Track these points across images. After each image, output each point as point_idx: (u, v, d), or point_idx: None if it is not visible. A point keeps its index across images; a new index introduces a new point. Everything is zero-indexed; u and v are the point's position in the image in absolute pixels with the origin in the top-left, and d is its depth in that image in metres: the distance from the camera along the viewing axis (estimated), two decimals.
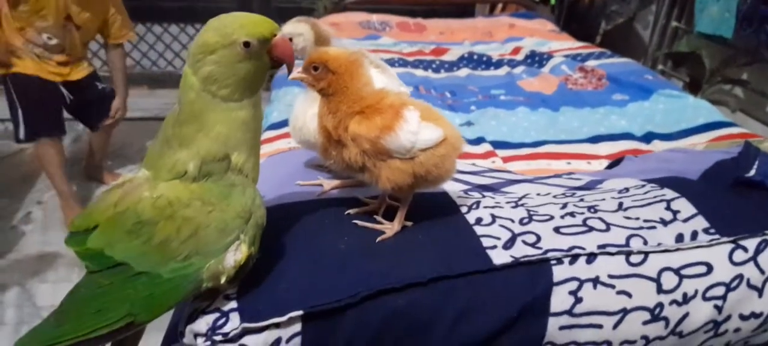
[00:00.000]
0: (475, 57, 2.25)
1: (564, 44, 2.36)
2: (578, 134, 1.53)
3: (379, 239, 0.75)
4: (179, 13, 3.28)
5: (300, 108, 0.91)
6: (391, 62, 2.07)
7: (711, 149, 1.11)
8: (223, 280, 0.63)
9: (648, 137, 1.49)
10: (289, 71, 0.68)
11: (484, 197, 0.86)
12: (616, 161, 1.21)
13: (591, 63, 2.08)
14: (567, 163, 1.39)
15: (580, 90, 1.88)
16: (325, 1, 3.07)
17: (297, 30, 0.95)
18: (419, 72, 2.07)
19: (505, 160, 1.39)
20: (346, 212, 0.81)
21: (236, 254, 0.63)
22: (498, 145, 1.47)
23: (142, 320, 0.63)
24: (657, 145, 1.45)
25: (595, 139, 1.49)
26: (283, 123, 1.42)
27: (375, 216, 0.80)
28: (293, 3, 3.26)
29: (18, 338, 0.65)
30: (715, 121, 1.52)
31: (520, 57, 2.25)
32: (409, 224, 0.78)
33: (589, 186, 0.92)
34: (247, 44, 0.62)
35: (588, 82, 1.94)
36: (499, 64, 2.19)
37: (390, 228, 0.76)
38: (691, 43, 2.55)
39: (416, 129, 0.71)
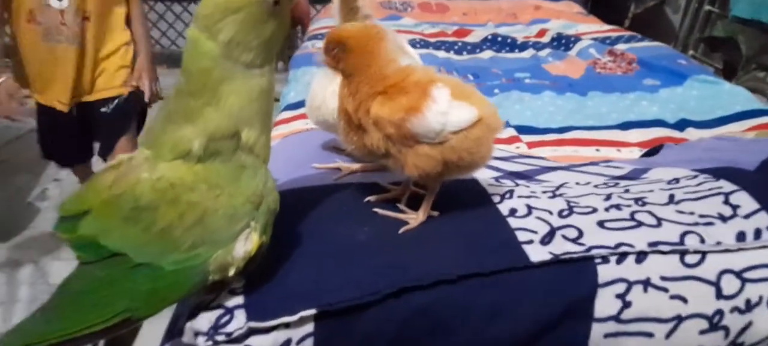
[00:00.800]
0: (499, 39, 2.18)
1: (592, 27, 2.28)
2: (607, 120, 1.47)
3: (402, 229, 0.68)
4: None
5: (318, 85, 0.85)
6: (413, 43, 2.01)
7: (763, 137, 1.02)
8: (231, 272, 0.57)
9: (681, 125, 1.42)
10: (304, 31, 0.63)
11: (517, 185, 0.78)
12: (653, 149, 1.13)
13: (621, 46, 2.00)
14: (596, 150, 1.33)
15: (609, 74, 1.82)
16: None
17: None
18: (441, 53, 2.01)
19: (530, 145, 1.33)
20: (366, 199, 0.74)
21: (247, 244, 0.57)
22: (522, 130, 1.41)
23: (141, 316, 0.56)
24: (691, 133, 1.37)
25: (625, 126, 1.43)
26: (300, 104, 1.37)
27: (398, 204, 0.73)
28: None
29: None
30: (754, 109, 1.44)
31: (545, 39, 2.18)
32: (435, 213, 0.70)
33: (633, 175, 0.84)
34: (277, 2, 0.56)
35: (617, 67, 1.87)
36: (524, 47, 2.12)
37: (414, 218, 0.69)
38: (727, 28, 2.45)
39: (446, 109, 0.63)
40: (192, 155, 0.56)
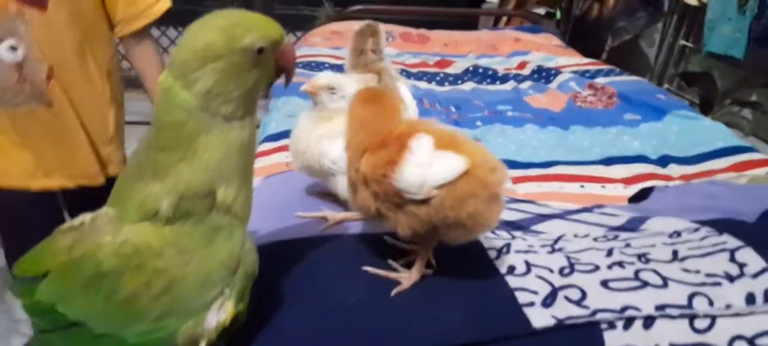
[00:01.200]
0: (480, 70, 2.18)
1: (571, 60, 2.29)
2: (590, 155, 1.46)
3: (394, 291, 0.63)
4: (178, 16, 3.16)
5: (303, 129, 0.80)
6: None
7: (756, 184, 1.01)
8: (202, 345, 0.51)
9: (664, 160, 1.42)
10: (288, 81, 0.57)
11: (514, 238, 0.75)
12: (643, 190, 1.11)
13: (600, 80, 2.01)
14: (580, 186, 1.32)
15: (590, 108, 1.82)
16: (327, 9, 2.99)
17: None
18: (423, 84, 1.99)
19: (515, 181, 1.31)
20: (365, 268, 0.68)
21: (220, 313, 0.51)
22: (506, 164, 1.37)
23: None
24: (674, 169, 1.37)
25: (608, 161, 1.42)
26: (282, 135, 1.33)
27: (390, 261, 0.68)
28: (295, 10, 3.18)
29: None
30: (734, 145, 1.45)
31: (526, 72, 2.18)
32: (429, 272, 0.66)
33: (631, 226, 0.81)
34: (260, 50, 0.51)
35: (598, 100, 1.87)
36: (505, 79, 2.11)
37: (407, 277, 0.64)
38: (702, 63, 2.48)
39: (427, 160, 0.58)
40: (160, 216, 0.51)
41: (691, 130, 1.57)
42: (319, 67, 2.05)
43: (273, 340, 0.57)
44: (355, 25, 2.73)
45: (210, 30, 0.50)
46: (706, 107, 2.44)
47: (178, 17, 3.22)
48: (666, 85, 2.68)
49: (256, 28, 0.51)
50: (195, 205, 0.52)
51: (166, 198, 0.51)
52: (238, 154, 0.53)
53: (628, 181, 1.31)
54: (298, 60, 2.12)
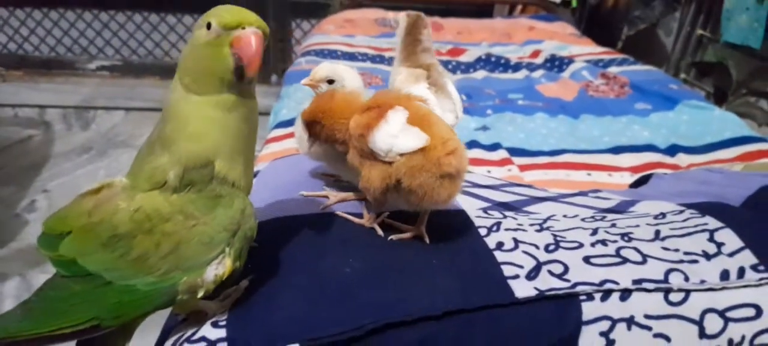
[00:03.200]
0: (493, 59, 2.19)
1: (585, 49, 2.29)
2: (599, 144, 1.48)
3: (396, 236, 0.72)
4: (194, 3, 3.25)
5: None
6: None
7: (751, 171, 1.03)
8: (200, 294, 0.58)
9: (672, 150, 1.43)
10: (241, 75, 0.58)
11: (505, 217, 0.78)
12: (643, 176, 1.14)
13: (613, 69, 2.02)
14: (587, 174, 1.34)
15: (602, 97, 1.83)
16: None
17: (399, 19, 1.05)
18: None
19: (522, 168, 1.33)
20: (390, 238, 0.75)
21: (218, 268, 0.58)
22: (515, 152, 1.41)
23: (108, 325, 0.58)
24: (682, 159, 1.38)
25: (616, 150, 1.44)
26: (293, 121, 1.36)
27: (391, 237, 0.75)
28: None
29: None
30: (743, 135, 1.45)
31: (539, 60, 2.19)
32: (426, 240, 0.73)
33: (620, 208, 0.84)
34: (208, 26, 0.57)
35: (610, 90, 1.88)
36: (517, 68, 2.13)
37: (411, 230, 0.74)
38: (717, 53, 2.47)
39: (396, 131, 0.67)
40: (168, 186, 0.58)
41: (701, 120, 1.57)
42: (331, 55, 2.09)
43: (273, 304, 0.62)
44: (369, 13, 2.75)
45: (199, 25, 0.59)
46: (720, 97, 2.43)
47: (194, 4, 3.31)
48: (683, 75, 2.67)
49: (219, 11, 0.57)
50: (197, 174, 0.58)
51: (172, 169, 0.58)
52: (216, 130, 0.59)
53: (635, 169, 1.33)
54: (312, 48, 2.16)
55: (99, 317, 0.57)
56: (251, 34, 0.57)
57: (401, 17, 1.05)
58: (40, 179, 2.23)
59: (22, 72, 3.26)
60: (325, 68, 0.80)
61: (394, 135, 0.66)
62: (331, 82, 0.80)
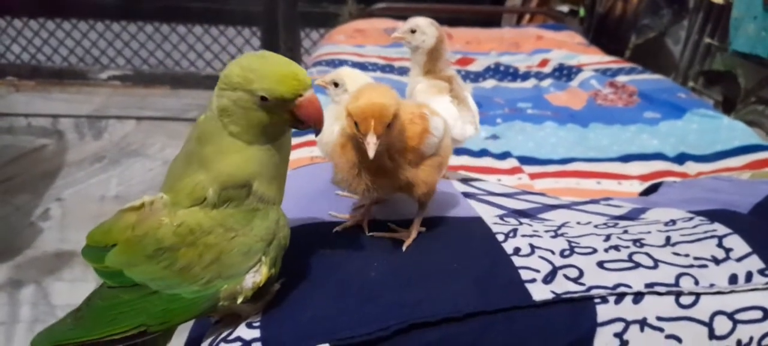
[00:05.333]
0: (502, 68, 2.21)
1: (593, 58, 2.31)
2: (608, 153, 1.49)
3: (405, 245, 0.74)
4: (204, 14, 3.29)
5: (328, 121, 0.87)
6: None
7: (759, 179, 1.05)
8: (239, 300, 0.62)
9: (681, 158, 1.45)
10: (315, 131, 0.63)
11: (521, 224, 0.81)
12: (653, 185, 1.16)
13: (621, 78, 2.03)
14: (597, 182, 1.35)
15: (610, 106, 1.84)
16: (350, 7, 3.05)
17: (424, 28, 1.01)
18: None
19: (532, 177, 1.35)
20: (370, 234, 0.78)
21: (256, 276, 0.63)
22: (525, 160, 1.43)
23: (155, 331, 0.62)
24: (691, 167, 1.40)
25: (625, 159, 1.45)
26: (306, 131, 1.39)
27: (389, 224, 0.79)
28: (318, 8, 3.25)
29: (32, 336, 0.65)
30: (752, 144, 1.47)
31: (547, 70, 2.21)
32: (423, 229, 0.77)
33: (631, 215, 0.86)
34: (263, 99, 0.58)
35: (618, 99, 1.89)
36: (526, 77, 2.15)
37: (406, 233, 0.76)
38: (725, 62, 2.48)
39: (438, 125, 0.73)
40: (208, 202, 0.61)
41: (710, 128, 1.59)
42: (341, 65, 2.12)
43: (303, 306, 0.65)
44: (379, 23, 2.77)
45: (236, 65, 0.59)
46: (729, 106, 2.44)
47: (204, 15, 3.35)
48: (691, 83, 2.69)
49: (268, 78, 0.58)
50: (234, 193, 0.62)
51: (211, 187, 0.61)
52: (256, 163, 0.62)
53: (644, 178, 1.34)
54: (322, 58, 2.18)
55: (146, 324, 0.61)
56: (312, 99, 0.59)
57: (425, 26, 1.01)
58: (53, 188, 2.27)
59: (35, 82, 3.32)
60: (334, 73, 0.85)
61: (438, 128, 0.73)
62: (336, 85, 0.83)
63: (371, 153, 0.61)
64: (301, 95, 0.59)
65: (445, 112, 0.98)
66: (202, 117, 0.63)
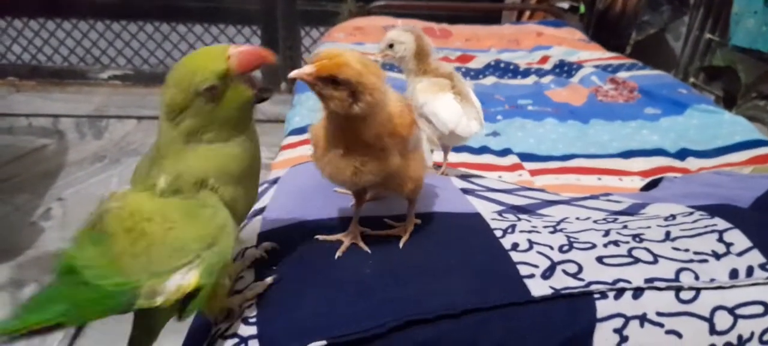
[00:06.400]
0: (502, 65, 2.21)
1: (594, 54, 2.31)
2: (609, 149, 1.49)
3: (402, 242, 0.73)
4: (204, 12, 3.29)
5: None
6: None
7: (759, 173, 1.04)
8: (158, 301, 0.57)
9: (682, 154, 1.45)
10: (262, 96, 0.61)
11: (519, 219, 0.81)
12: (653, 180, 1.15)
13: (622, 74, 2.03)
14: (597, 178, 1.35)
15: (611, 102, 1.84)
16: (349, 5, 3.05)
17: (400, 38, 1.01)
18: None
19: (533, 173, 1.35)
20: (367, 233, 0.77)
21: (183, 279, 0.57)
22: (525, 157, 1.43)
23: (72, 324, 0.58)
24: (692, 163, 1.40)
25: (626, 155, 1.45)
26: (306, 129, 1.39)
27: (385, 219, 0.78)
28: (318, 6, 3.24)
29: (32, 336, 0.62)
30: (753, 139, 1.47)
31: (548, 66, 2.21)
32: (418, 221, 0.77)
33: (631, 211, 0.86)
34: (212, 88, 0.57)
35: (619, 95, 1.89)
36: (526, 73, 2.15)
37: (403, 228, 0.76)
38: (726, 57, 2.48)
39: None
40: (157, 188, 0.59)
41: (711, 124, 1.59)
42: None
43: (298, 302, 0.65)
44: (378, 21, 2.77)
45: (170, 87, 0.58)
46: (729, 101, 2.44)
47: (204, 14, 3.35)
48: (692, 79, 2.68)
49: (198, 71, 0.57)
50: (187, 185, 0.60)
51: (164, 175, 0.59)
52: (228, 162, 0.61)
53: (645, 174, 1.35)
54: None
55: (65, 315, 0.57)
56: (241, 47, 0.58)
57: (399, 36, 1.02)
58: (55, 188, 2.26)
59: (36, 82, 3.32)
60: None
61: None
62: None
63: (294, 73, 0.60)
64: (229, 56, 0.57)
65: (449, 108, 0.98)
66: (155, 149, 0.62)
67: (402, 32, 1.02)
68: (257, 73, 0.60)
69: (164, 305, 0.57)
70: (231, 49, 0.57)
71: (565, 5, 3.03)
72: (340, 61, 0.60)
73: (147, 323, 0.64)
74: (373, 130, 0.65)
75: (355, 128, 0.64)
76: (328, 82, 0.60)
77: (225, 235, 0.59)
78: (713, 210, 0.78)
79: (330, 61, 0.60)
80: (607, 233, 0.75)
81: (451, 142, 1.07)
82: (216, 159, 0.60)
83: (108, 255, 0.58)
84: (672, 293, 0.65)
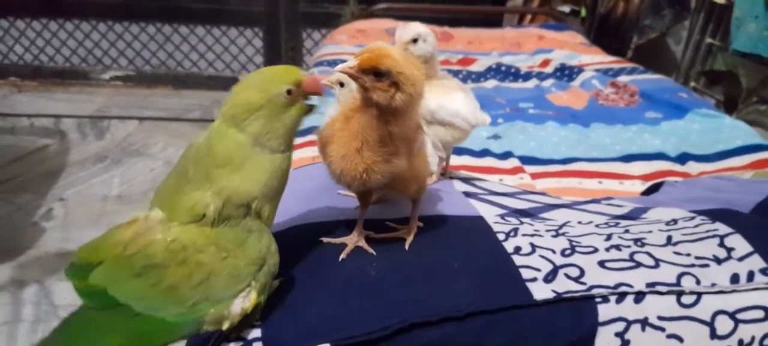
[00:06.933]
0: (503, 68, 2.21)
1: (595, 58, 2.31)
2: (610, 152, 1.49)
3: (406, 244, 0.74)
4: (206, 14, 3.30)
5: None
6: None
7: (760, 178, 1.05)
8: (225, 326, 0.61)
9: (683, 158, 1.45)
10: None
11: (522, 223, 0.81)
12: (654, 185, 1.16)
13: (623, 78, 2.03)
14: (598, 182, 1.35)
15: (612, 106, 1.84)
16: (352, 7, 3.05)
17: (425, 34, 0.94)
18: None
19: (534, 176, 1.35)
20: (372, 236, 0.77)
21: (244, 302, 0.61)
22: (526, 160, 1.43)
23: None
24: (692, 167, 1.40)
25: (627, 159, 1.45)
26: (309, 130, 1.39)
27: (387, 223, 0.79)
28: (320, 8, 3.25)
29: (35, 336, 0.63)
30: (754, 143, 1.46)
31: (549, 70, 2.21)
32: (420, 224, 0.77)
33: (633, 215, 0.86)
34: (289, 92, 0.62)
35: (620, 98, 1.89)
36: (527, 77, 2.15)
37: (407, 230, 0.77)
38: (727, 62, 2.48)
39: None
40: (206, 220, 0.61)
41: (712, 128, 1.59)
42: None
43: (304, 305, 0.65)
44: (380, 23, 2.76)
45: (249, 89, 0.62)
46: (730, 105, 2.44)
47: (206, 15, 3.36)
48: (693, 83, 2.69)
49: (280, 77, 0.63)
50: (234, 211, 0.62)
51: (213, 204, 0.61)
52: (279, 178, 0.64)
53: (646, 178, 1.34)
54: (324, 58, 2.19)
55: (123, 345, 0.60)
56: (311, 76, 0.65)
57: (427, 33, 0.97)
58: (56, 188, 2.27)
59: (38, 82, 3.33)
60: (338, 73, 0.84)
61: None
62: (341, 85, 0.83)
63: (339, 67, 0.64)
64: (300, 78, 0.64)
65: (467, 104, 0.98)
66: (195, 148, 0.64)
67: (429, 30, 0.95)
68: None
69: (230, 327, 0.61)
70: (302, 74, 0.64)
71: (567, 9, 3.04)
72: (381, 53, 0.64)
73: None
74: (409, 124, 0.68)
75: (392, 122, 0.66)
76: (370, 74, 0.63)
77: (271, 254, 0.64)
78: (714, 215, 0.79)
79: (371, 54, 0.64)
80: (609, 237, 0.76)
81: (463, 139, 1.04)
82: (266, 173, 0.63)
83: (159, 287, 0.59)
84: (673, 298, 0.66)
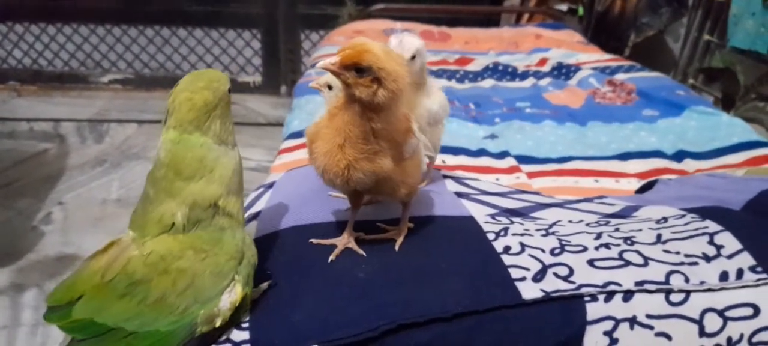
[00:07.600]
0: (501, 68, 2.22)
1: (592, 56, 2.31)
2: (606, 150, 1.49)
3: (396, 245, 0.74)
4: (204, 17, 3.30)
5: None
6: None
7: (752, 176, 1.05)
8: (218, 323, 0.62)
9: (679, 156, 1.45)
10: None
11: (512, 223, 0.81)
12: (648, 183, 1.16)
13: (620, 76, 2.03)
14: (595, 180, 1.35)
15: (609, 104, 1.84)
16: (349, 8, 3.06)
17: (419, 46, 0.88)
18: (443, 82, 2.04)
19: (530, 176, 1.35)
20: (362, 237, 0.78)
21: (231, 295, 0.63)
22: (523, 159, 1.43)
23: None
24: (689, 164, 1.40)
25: (624, 156, 1.45)
26: (300, 133, 1.39)
27: (378, 224, 0.79)
28: (318, 10, 3.25)
29: (34, 340, 0.63)
30: (751, 140, 1.47)
31: (546, 69, 2.21)
32: (411, 225, 0.77)
33: (623, 214, 0.87)
34: (229, 90, 0.65)
35: (617, 97, 1.89)
36: (524, 76, 2.15)
37: (397, 232, 0.76)
38: (724, 59, 2.48)
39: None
40: (176, 228, 0.62)
41: (708, 125, 1.59)
42: None
43: (293, 306, 0.65)
44: (377, 24, 2.76)
45: (200, 91, 0.63)
46: (728, 102, 2.44)
47: (204, 18, 3.35)
48: (691, 81, 2.68)
49: (221, 78, 0.65)
50: (202, 214, 0.63)
51: (179, 211, 0.62)
52: (240, 172, 0.67)
53: (642, 176, 1.34)
54: (322, 59, 2.19)
55: None
56: None
57: (422, 47, 0.90)
58: (55, 192, 2.27)
59: (37, 86, 3.33)
60: (326, 76, 0.84)
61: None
62: (330, 87, 0.83)
63: (320, 63, 0.64)
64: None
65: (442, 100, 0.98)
66: (155, 170, 0.64)
67: (417, 39, 0.91)
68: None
69: (223, 323, 0.63)
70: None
71: (564, 7, 3.03)
72: (363, 49, 0.63)
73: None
74: (394, 122, 0.67)
75: (375, 119, 0.66)
76: (352, 71, 0.63)
77: (247, 246, 0.66)
78: (705, 213, 0.79)
79: (353, 50, 0.63)
80: (598, 236, 0.76)
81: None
82: (230, 170, 0.65)
83: (147, 301, 0.60)
84: (662, 296, 0.66)
